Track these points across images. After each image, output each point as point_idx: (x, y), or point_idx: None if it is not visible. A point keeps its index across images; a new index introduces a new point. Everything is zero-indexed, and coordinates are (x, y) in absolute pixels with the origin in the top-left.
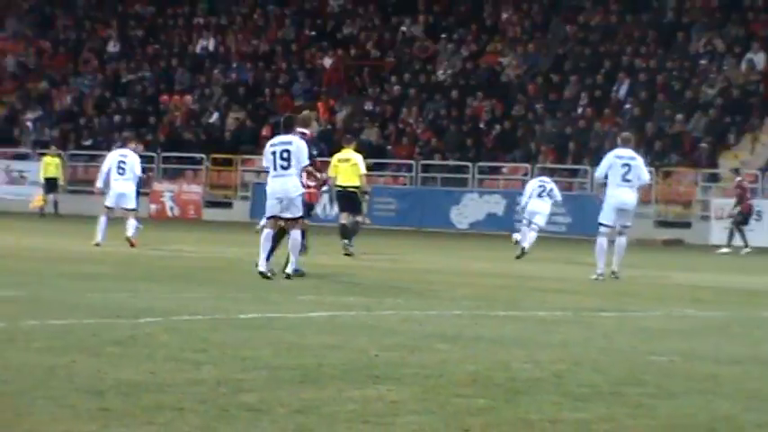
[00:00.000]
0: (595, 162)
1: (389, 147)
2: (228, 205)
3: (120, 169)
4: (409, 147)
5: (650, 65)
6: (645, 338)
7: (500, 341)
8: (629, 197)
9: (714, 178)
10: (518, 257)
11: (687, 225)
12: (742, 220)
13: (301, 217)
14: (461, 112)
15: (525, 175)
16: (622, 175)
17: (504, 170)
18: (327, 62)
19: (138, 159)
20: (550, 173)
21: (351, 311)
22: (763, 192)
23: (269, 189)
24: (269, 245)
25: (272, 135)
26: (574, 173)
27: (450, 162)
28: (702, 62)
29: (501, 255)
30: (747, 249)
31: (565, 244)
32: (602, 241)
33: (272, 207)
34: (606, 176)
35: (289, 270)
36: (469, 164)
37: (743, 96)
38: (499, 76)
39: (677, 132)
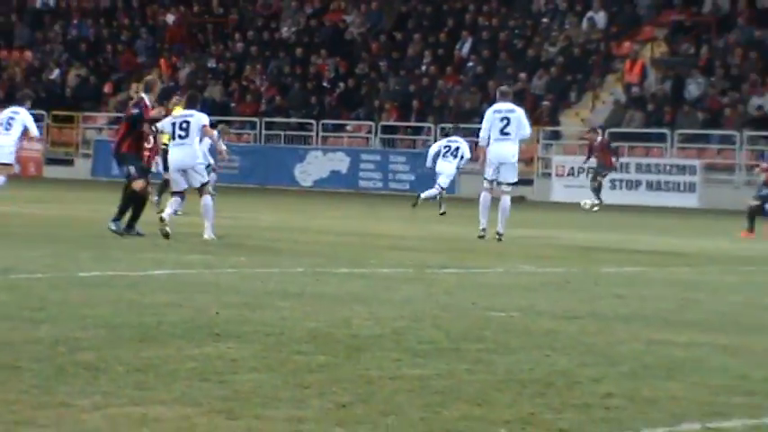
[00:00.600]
0: (439, 120)
1: (233, 104)
2: (70, 163)
3: (8, 125)
4: (253, 104)
5: (493, 23)
6: (485, 295)
7: (342, 298)
8: (508, 150)
9: (556, 136)
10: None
11: (529, 182)
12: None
13: (207, 182)
14: (305, 70)
15: (369, 132)
16: (501, 128)
17: (348, 128)
18: (170, 19)
19: (29, 117)
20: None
21: (192, 269)
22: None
23: (170, 159)
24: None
25: (114, 92)
26: (417, 130)
27: (294, 120)
28: (544, 20)
29: (345, 212)
30: (597, 205)
31: (408, 201)
32: (483, 197)
33: (176, 183)
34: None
35: (206, 235)
36: (313, 121)
37: (584, 55)
38: (343, 33)
39: (519, 90)
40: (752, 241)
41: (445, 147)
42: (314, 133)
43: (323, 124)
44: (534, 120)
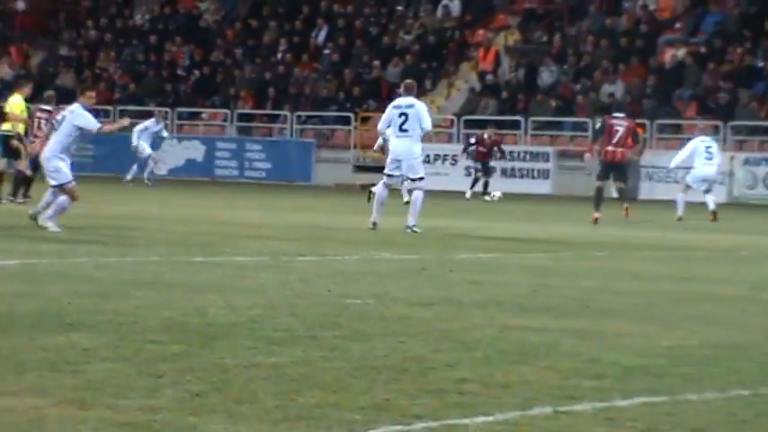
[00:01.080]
0: (295, 108)
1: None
2: None
3: None
4: (107, 92)
5: (348, 10)
6: (341, 282)
7: (197, 287)
8: (406, 148)
9: None
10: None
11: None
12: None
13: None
14: (160, 58)
15: (225, 120)
16: (399, 125)
17: (204, 116)
18: (21, 5)
19: None
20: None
21: (43, 259)
22: (458, 136)
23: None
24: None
25: None
26: (273, 118)
27: (149, 108)
28: (399, 8)
29: (200, 201)
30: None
31: (264, 189)
32: (380, 191)
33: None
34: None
35: (47, 224)
36: (168, 109)
37: (438, 43)
38: (197, 21)
39: (375, 78)
40: (604, 227)
41: None
42: (169, 121)
43: (178, 112)
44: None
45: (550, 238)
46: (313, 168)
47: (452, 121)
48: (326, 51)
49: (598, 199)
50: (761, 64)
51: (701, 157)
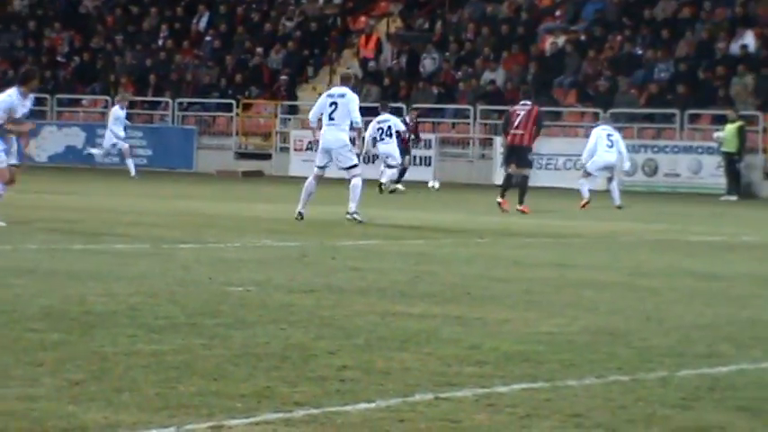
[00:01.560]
0: (176, 94)
1: None
2: None
3: None
4: None
5: None
6: (222, 269)
7: (76, 275)
8: (331, 137)
9: (293, 110)
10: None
11: (267, 156)
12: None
13: None
14: (39, 44)
15: (105, 107)
16: (329, 113)
17: (84, 102)
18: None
19: None
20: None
21: None
22: None
23: None
24: None
25: None
26: (154, 105)
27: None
28: None
29: (81, 188)
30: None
31: (146, 176)
32: (308, 181)
33: None
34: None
35: None
36: (48, 96)
37: (320, 29)
38: (77, 7)
39: (257, 65)
40: (484, 214)
41: (378, 129)
42: (48, 108)
43: (58, 99)
44: (271, 94)
45: (432, 225)
46: (194, 155)
47: None
48: (208, 38)
49: (506, 184)
50: (640, 52)
51: (602, 146)
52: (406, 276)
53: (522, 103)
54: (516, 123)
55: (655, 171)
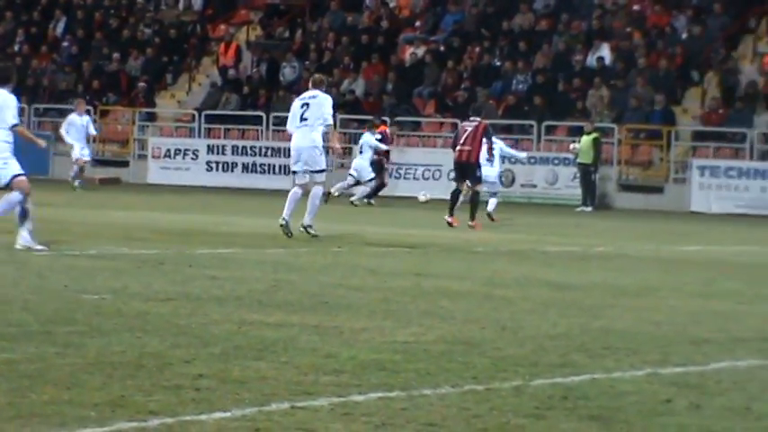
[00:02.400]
0: (33, 99)
1: None
2: None
3: None
4: None
5: (87, 2)
6: (77, 277)
7: None
8: (302, 137)
9: (152, 117)
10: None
11: (125, 164)
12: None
13: None
14: None
15: None
16: (300, 115)
17: None
18: None
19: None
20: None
21: None
22: (200, 131)
23: None
24: None
25: None
26: None
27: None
28: (140, 0)
29: None
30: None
31: None
32: (293, 189)
33: None
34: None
35: None
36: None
37: (180, 36)
38: None
39: (115, 71)
40: (343, 222)
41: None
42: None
43: None
44: (129, 101)
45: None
46: (50, 162)
47: (193, 115)
48: (65, 43)
49: (452, 202)
50: (498, 63)
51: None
52: (264, 285)
53: (470, 118)
54: (463, 139)
55: (512, 182)
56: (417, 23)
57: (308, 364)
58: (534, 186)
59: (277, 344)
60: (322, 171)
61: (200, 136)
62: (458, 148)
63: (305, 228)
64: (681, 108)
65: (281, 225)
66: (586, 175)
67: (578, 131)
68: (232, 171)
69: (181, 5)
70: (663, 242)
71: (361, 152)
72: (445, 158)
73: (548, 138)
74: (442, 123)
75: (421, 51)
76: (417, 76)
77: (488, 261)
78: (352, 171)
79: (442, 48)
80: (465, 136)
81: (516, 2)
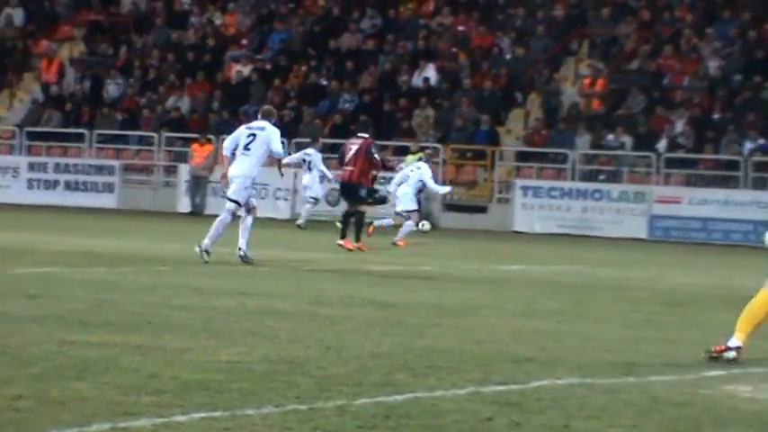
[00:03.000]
0: None
1: None
2: None
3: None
4: None
5: None
6: None
7: None
8: (240, 165)
9: None
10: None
11: None
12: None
13: None
14: None
15: None
16: (245, 144)
17: None
18: None
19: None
20: None
21: None
22: (21, 148)
23: None
24: None
25: None
26: None
27: None
28: None
29: None
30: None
31: None
32: (222, 215)
33: None
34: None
35: None
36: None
37: (1, 52)
38: None
39: None
40: (165, 242)
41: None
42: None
43: None
44: None
45: (113, 253)
46: None
47: (14, 132)
48: None
49: (344, 225)
50: (325, 82)
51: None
52: (86, 304)
53: (357, 135)
54: (347, 159)
55: (337, 201)
56: (244, 41)
57: (130, 384)
58: None
59: (98, 364)
60: (237, 202)
61: (21, 153)
62: (343, 168)
63: (241, 255)
64: (505, 129)
65: (200, 249)
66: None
67: (404, 151)
68: (54, 189)
69: (2, 21)
70: (486, 261)
71: (309, 169)
72: (270, 177)
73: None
74: None
75: (247, 69)
76: (244, 94)
77: (314, 280)
78: (307, 195)
79: (268, 66)
80: (349, 156)
81: (343, 21)
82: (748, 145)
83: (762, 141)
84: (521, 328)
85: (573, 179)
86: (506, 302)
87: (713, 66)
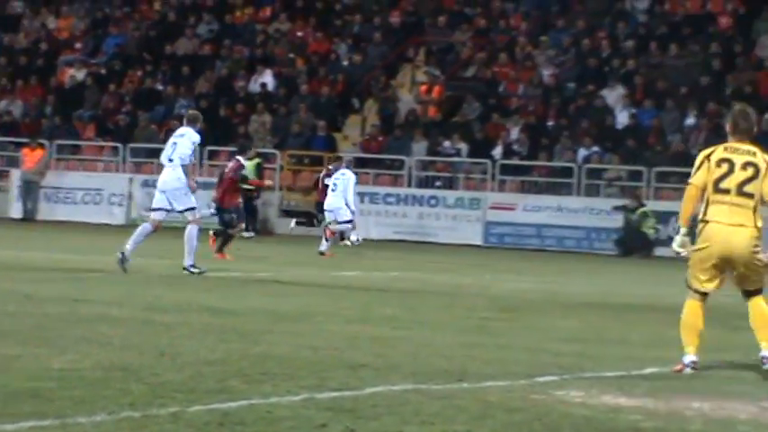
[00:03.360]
0: None
1: None
2: None
3: None
4: None
5: None
6: None
7: None
8: (168, 177)
9: None
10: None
11: None
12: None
13: None
14: None
15: None
16: (168, 155)
17: None
18: None
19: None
20: None
21: None
22: None
23: None
24: None
25: None
26: None
27: None
28: None
29: None
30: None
31: None
32: (144, 225)
33: None
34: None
35: None
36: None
37: None
38: None
39: None
40: None
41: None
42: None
43: None
44: None
45: None
46: None
47: None
48: None
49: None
50: (161, 87)
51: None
52: None
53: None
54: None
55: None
56: (78, 45)
57: None
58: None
59: None
60: (192, 209)
61: None
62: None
63: (187, 268)
64: (342, 135)
65: (119, 259)
66: (248, 200)
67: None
68: None
69: None
70: (323, 267)
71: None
72: (105, 183)
73: (211, 163)
74: (102, 147)
75: (81, 74)
76: (77, 99)
77: (148, 286)
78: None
79: (103, 71)
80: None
81: (180, 26)
82: (582, 152)
83: (595, 149)
84: (356, 334)
85: (409, 185)
86: (342, 308)
87: (547, 74)
